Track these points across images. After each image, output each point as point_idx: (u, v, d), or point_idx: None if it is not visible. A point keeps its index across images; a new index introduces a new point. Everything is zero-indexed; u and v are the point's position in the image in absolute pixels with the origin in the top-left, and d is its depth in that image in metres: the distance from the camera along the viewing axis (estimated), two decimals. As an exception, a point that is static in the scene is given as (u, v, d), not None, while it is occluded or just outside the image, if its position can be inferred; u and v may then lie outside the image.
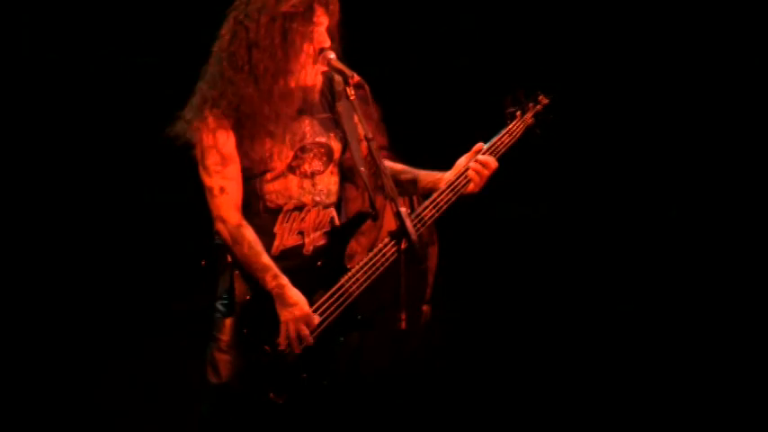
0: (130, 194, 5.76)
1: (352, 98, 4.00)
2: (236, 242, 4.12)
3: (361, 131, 4.09)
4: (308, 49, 4.13)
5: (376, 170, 3.95)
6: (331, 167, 4.25)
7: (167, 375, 5.66)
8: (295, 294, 4.10)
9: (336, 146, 4.24)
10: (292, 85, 4.15)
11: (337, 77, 4.18)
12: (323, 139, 4.22)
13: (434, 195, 4.23)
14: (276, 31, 4.08)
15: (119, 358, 5.72)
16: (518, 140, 4.34)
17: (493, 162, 4.27)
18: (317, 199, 4.22)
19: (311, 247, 4.20)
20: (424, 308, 4.25)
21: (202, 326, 4.25)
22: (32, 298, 5.68)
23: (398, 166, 4.38)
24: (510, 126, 4.35)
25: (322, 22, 4.14)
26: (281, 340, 4.10)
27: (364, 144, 4.06)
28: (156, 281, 5.70)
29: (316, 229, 4.21)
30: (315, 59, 4.13)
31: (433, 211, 4.22)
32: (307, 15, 4.09)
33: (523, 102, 4.39)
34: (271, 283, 4.10)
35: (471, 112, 5.44)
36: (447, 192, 4.23)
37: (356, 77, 4.02)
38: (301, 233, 4.20)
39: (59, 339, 5.69)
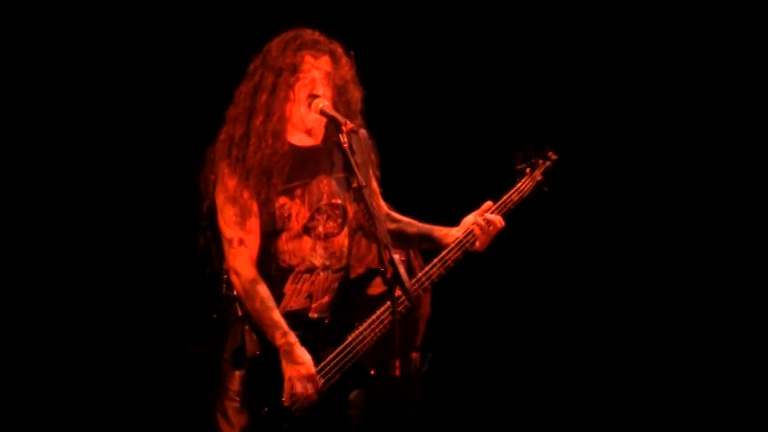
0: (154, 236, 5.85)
1: (344, 145, 4.00)
2: (249, 296, 4.13)
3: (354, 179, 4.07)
4: (296, 96, 4.16)
5: (369, 217, 3.95)
6: (345, 230, 4.27)
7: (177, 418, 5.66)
8: (303, 354, 4.10)
9: (351, 207, 4.26)
10: (301, 141, 4.21)
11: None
12: (338, 201, 4.24)
13: (443, 253, 4.23)
14: (269, 82, 4.15)
15: (131, 399, 5.77)
16: (526, 198, 4.34)
17: (499, 221, 4.26)
18: (328, 263, 4.23)
19: (317, 313, 4.22)
20: (414, 355, 4.23)
21: (212, 374, 4.27)
22: (50, 338, 5.75)
23: (405, 219, 4.39)
24: (519, 184, 4.36)
25: (310, 69, 4.16)
26: (285, 397, 4.10)
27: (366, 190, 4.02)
28: (171, 322, 5.76)
29: (324, 293, 4.23)
30: (307, 106, 4.15)
31: (441, 269, 4.22)
32: (295, 64, 4.14)
33: (533, 158, 4.39)
34: (280, 340, 4.11)
35: (479, 164, 5.48)
36: (455, 249, 4.23)
37: (349, 124, 4.02)
38: (310, 296, 4.21)
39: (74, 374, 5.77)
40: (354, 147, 4.06)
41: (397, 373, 3.86)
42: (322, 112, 4.12)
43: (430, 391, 4.68)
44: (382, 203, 4.43)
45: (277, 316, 4.12)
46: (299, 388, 4.08)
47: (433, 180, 5.85)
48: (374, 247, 4.24)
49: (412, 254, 4.33)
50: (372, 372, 4.20)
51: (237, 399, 4.17)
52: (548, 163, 4.40)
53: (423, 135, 6.00)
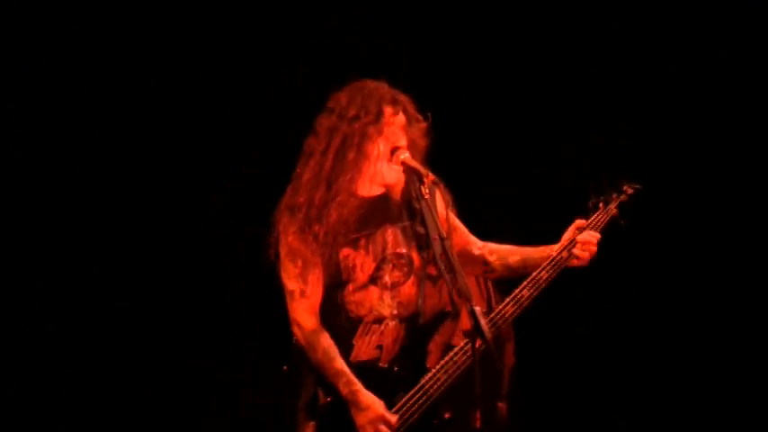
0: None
1: (426, 197, 3.97)
2: (311, 347, 4.13)
3: (434, 231, 4.01)
4: (380, 150, 4.14)
5: (450, 269, 3.88)
6: (412, 278, 4.23)
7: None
8: (368, 398, 4.09)
9: (417, 256, 4.23)
10: (369, 192, 4.18)
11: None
12: (404, 250, 4.23)
13: (534, 273, 4.22)
14: (346, 135, 4.13)
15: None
16: (602, 230, 4.29)
17: (595, 236, 4.25)
18: (396, 312, 4.20)
19: (387, 362, 4.17)
20: (500, 405, 4.17)
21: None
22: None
23: (504, 248, 4.38)
24: (593, 218, 4.30)
25: (393, 122, 4.16)
26: None
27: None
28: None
29: (394, 342, 4.19)
30: (388, 159, 4.14)
31: (533, 289, 4.20)
32: (376, 118, 4.13)
33: (607, 191, 4.34)
34: (344, 390, 4.09)
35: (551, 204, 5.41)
36: (547, 268, 4.22)
37: (431, 176, 4.00)
38: (380, 347, 4.18)
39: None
40: (432, 198, 4.02)
41: (478, 425, 3.83)
42: (404, 164, 4.11)
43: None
44: (473, 239, 4.40)
45: (340, 365, 4.11)
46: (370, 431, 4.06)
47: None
48: (443, 289, 4.14)
49: (481, 280, 4.25)
50: (447, 415, 4.14)
51: None
52: (623, 197, 4.34)
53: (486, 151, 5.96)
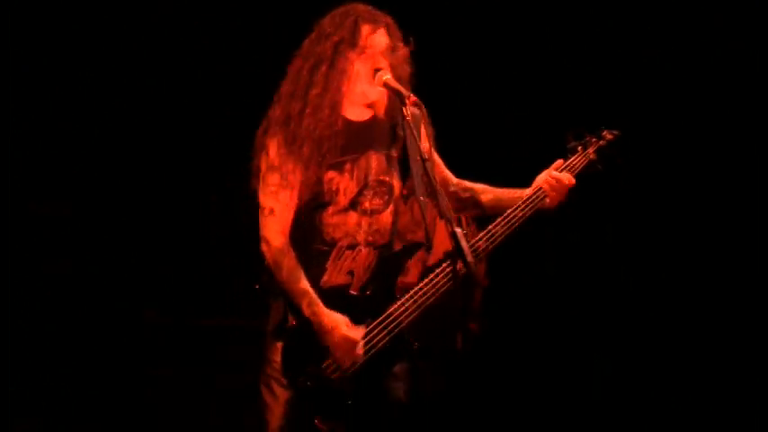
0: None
1: (408, 118, 3.98)
2: (277, 266, 4.11)
3: (416, 152, 4.06)
4: (360, 71, 4.14)
5: (431, 190, 3.91)
6: (391, 207, 4.24)
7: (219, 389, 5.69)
8: (331, 319, 4.06)
9: (398, 184, 4.24)
10: (356, 116, 4.20)
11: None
12: (386, 178, 4.22)
13: (509, 211, 4.22)
14: (327, 56, 4.13)
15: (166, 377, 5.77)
16: (578, 175, 4.31)
17: (568, 178, 4.27)
18: (371, 239, 4.20)
19: (357, 289, 4.18)
20: (472, 325, 4.19)
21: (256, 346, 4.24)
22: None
23: (478, 186, 4.39)
24: (570, 160, 4.34)
25: (373, 43, 4.15)
26: (329, 369, 4.06)
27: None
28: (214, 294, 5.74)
29: (365, 270, 4.19)
30: (370, 81, 4.13)
31: (505, 227, 4.20)
32: (354, 37, 4.13)
33: (586, 136, 4.38)
34: (306, 311, 4.07)
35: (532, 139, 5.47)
36: (521, 207, 4.22)
37: (413, 97, 4.01)
38: (351, 273, 4.18)
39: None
40: (415, 120, 4.03)
41: (459, 346, 3.86)
42: (386, 85, 4.10)
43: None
44: (449, 173, 4.41)
45: (304, 285, 4.08)
46: (337, 353, 4.04)
47: (484, 155, 5.83)
48: (414, 208, 4.17)
49: (464, 220, 4.25)
50: (416, 345, 4.15)
51: (279, 370, 4.11)
52: (601, 142, 4.38)
53: (475, 108, 6.01)
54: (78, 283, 5.75)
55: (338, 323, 4.06)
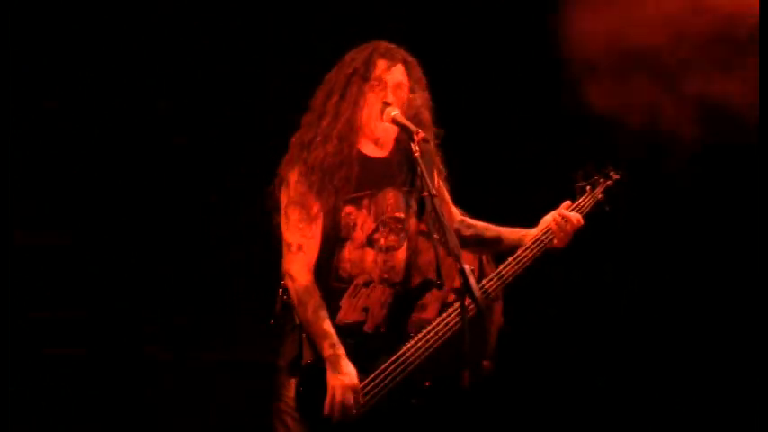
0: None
1: (416, 155, 3.99)
2: (302, 303, 4.12)
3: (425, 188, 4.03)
4: (372, 106, 4.18)
5: (439, 226, 3.92)
6: (405, 243, 4.27)
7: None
8: (347, 366, 4.08)
9: (414, 221, 4.27)
10: (371, 152, 4.24)
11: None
12: (402, 214, 4.25)
13: (518, 252, 4.24)
14: (339, 86, 4.19)
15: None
16: (586, 215, 4.35)
17: (577, 218, 4.28)
18: (385, 275, 4.22)
19: (373, 326, 4.20)
20: (486, 363, 4.23)
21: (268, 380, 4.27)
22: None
23: (481, 224, 4.40)
24: (578, 201, 4.37)
25: (386, 78, 4.19)
26: (326, 406, 4.07)
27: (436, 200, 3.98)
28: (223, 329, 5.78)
29: (380, 307, 4.21)
30: (378, 116, 4.16)
31: (515, 267, 4.23)
32: (368, 70, 4.18)
33: (594, 176, 4.42)
34: (327, 351, 4.08)
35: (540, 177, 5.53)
36: (531, 247, 4.24)
37: (421, 134, 4.02)
38: (365, 310, 4.20)
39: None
40: (424, 156, 4.05)
41: (465, 383, 3.85)
42: (394, 121, 4.13)
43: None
44: (455, 210, 4.44)
45: (327, 326, 4.10)
46: (338, 397, 4.05)
47: (495, 191, 5.89)
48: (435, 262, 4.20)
49: (485, 259, 4.30)
50: (427, 384, 4.19)
51: (293, 405, 4.14)
52: (609, 182, 4.42)
53: (487, 143, 6.05)
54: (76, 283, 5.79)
55: (353, 372, 4.08)
